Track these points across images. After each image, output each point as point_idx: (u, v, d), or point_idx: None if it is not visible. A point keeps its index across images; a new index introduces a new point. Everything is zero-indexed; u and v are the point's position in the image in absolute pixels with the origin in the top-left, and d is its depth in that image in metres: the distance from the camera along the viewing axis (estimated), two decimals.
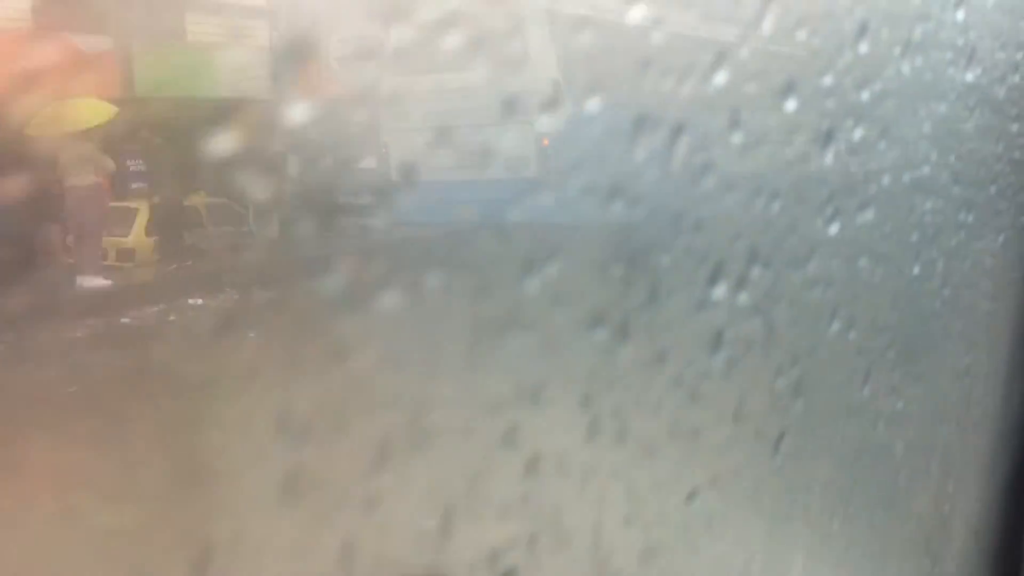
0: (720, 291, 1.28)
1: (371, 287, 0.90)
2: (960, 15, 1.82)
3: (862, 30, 1.48)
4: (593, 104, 1.05)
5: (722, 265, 1.28)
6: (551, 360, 1.08)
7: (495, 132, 1.04)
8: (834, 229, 1.54)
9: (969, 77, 1.91)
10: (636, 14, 1.04)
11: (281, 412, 0.88)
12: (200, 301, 1.13)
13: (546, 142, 1.10)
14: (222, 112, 0.84)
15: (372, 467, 0.89)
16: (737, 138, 1.23)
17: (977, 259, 2.33)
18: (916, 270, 1.96)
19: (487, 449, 1.02)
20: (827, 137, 1.45)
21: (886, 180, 1.69)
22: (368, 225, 0.99)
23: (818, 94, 1.41)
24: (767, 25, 1.24)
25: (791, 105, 1.33)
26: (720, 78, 1.17)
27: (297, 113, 0.85)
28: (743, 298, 1.33)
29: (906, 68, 1.65)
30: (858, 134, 1.54)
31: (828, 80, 1.42)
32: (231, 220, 1.04)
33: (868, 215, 1.66)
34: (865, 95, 1.54)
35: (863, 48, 1.49)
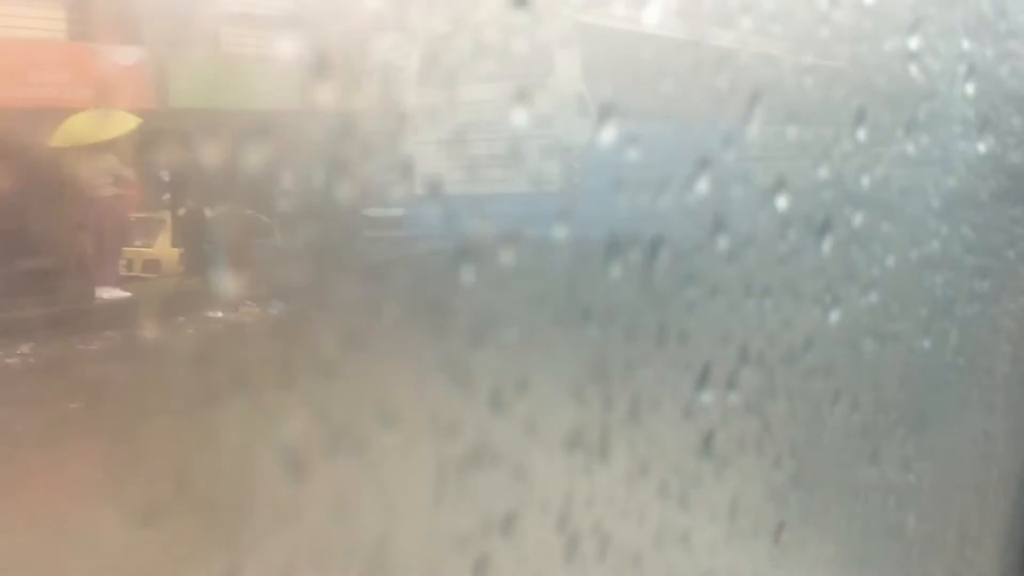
0: (707, 396, 1.25)
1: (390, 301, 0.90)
2: (970, 88, 1.78)
3: (860, 118, 1.44)
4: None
5: (710, 368, 1.25)
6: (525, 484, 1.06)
7: (520, 146, 1.04)
8: (834, 317, 1.50)
9: (982, 147, 1.87)
10: (611, 132, 1.02)
11: (287, 430, 0.88)
12: (220, 314, 1.12)
13: (572, 156, 1.10)
14: (252, 124, 0.85)
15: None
16: (722, 242, 1.20)
17: (995, 324, 2.27)
18: (926, 344, 1.91)
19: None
20: (823, 228, 1.42)
21: (891, 261, 1.66)
22: (392, 238, 0.98)
23: (812, 187, 1.38)
24: (753, 129, 1.21)
25: (782, 202, 1.30)
26: (702, 185, 1.14)
27: (325, 126, 0.85)
28: (733, 398, 1.30)
29: (911, 148, 1.62)
30: (858, 220, 1.51)
31: (823, 172, 1.39)
32: (258, 232, 1.04)
33: (871, 298, 1.62)
34: (865, 181, 1.51)
35: (861, 135, 1.46)
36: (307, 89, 0.83)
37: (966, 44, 1.76)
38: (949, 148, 1.77)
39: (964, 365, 2.13)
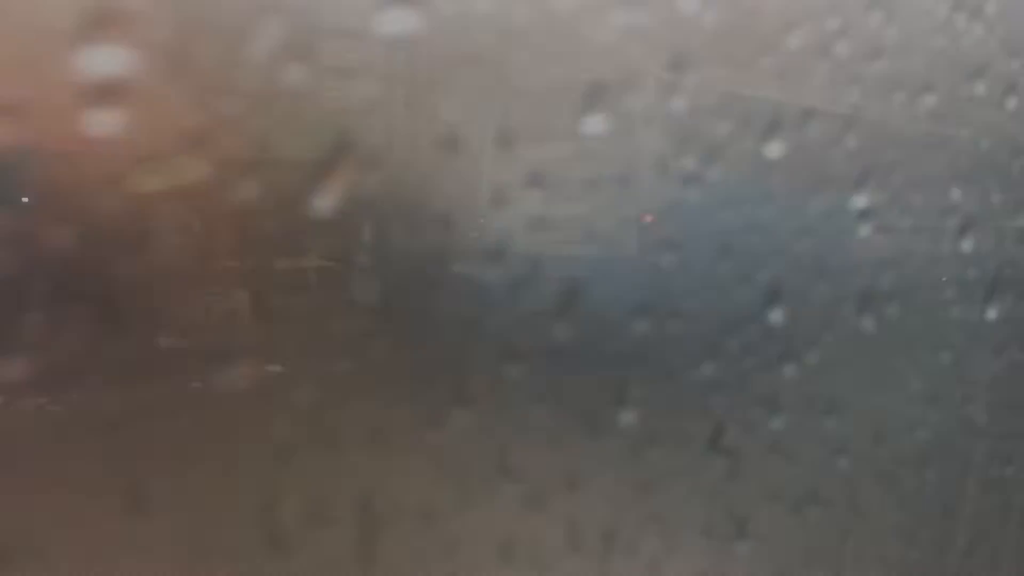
0: None
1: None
2: (967, 244, 1.47)
3: (772, 298, 1.17)
4: None
5: None
6: None
7: (594, 206, 1.03)
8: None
9: (992, 314, 1.54)
10: None
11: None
12: (279, 368, 1.08)
13: (649, 219, 1.08)
14: (340, 176, 0.87)
15: None
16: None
17: None
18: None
19: None
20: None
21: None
22: (463, 297, 0.98)
23: None
24: None
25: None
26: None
27: (404, 179, 0.87)
28: None
29: (868, 324, 1.32)
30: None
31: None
32: (335, 284, 1.02)
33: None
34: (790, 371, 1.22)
35: (776, 317, 1.18)
36: (391, 144, 0.84)
37: (956, 193, 1.45)
38: (937, 317, 1.45)
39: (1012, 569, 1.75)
